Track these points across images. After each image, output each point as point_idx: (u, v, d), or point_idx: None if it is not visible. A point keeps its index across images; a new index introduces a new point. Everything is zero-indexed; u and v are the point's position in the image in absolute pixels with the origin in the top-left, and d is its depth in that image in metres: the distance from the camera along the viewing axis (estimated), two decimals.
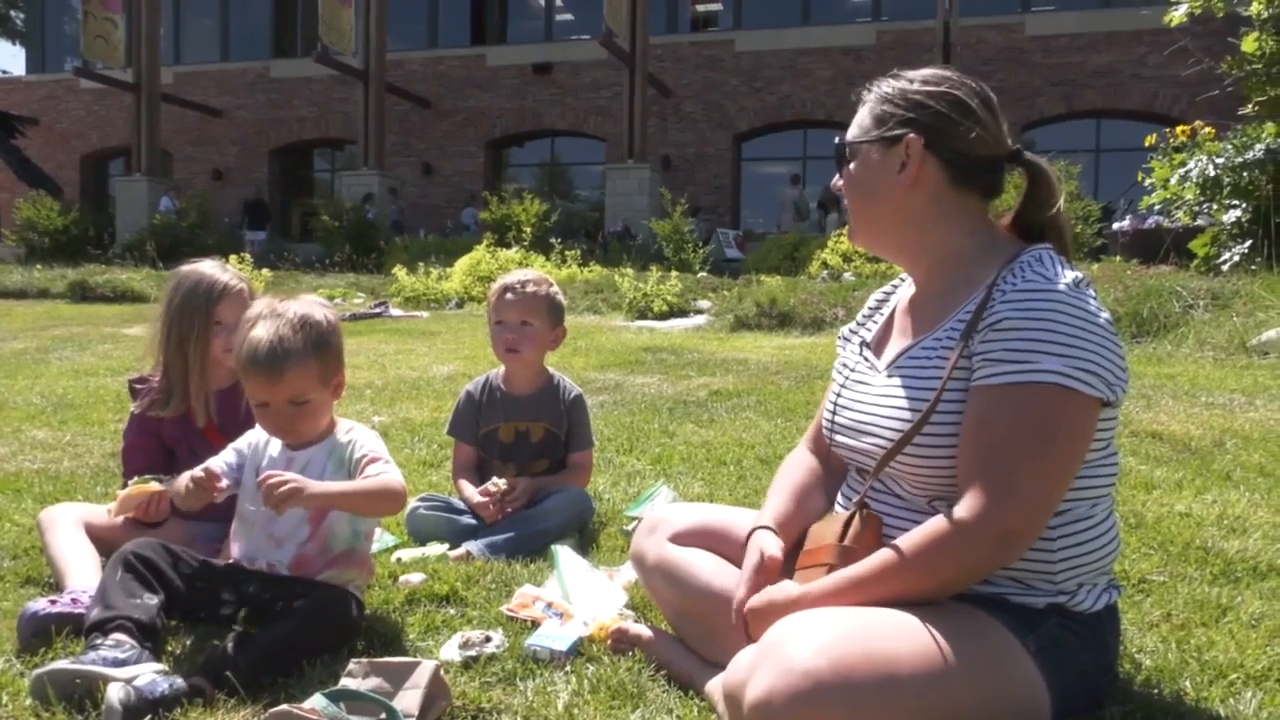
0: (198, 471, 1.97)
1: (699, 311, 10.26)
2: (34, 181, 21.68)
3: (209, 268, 2.55)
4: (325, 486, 1.93)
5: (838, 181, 1.70)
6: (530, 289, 2.81)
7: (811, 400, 4.73)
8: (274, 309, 2.01)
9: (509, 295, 2.82)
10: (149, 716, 1.60)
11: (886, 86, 1.62)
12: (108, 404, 4.99)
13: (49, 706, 1.64)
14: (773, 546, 1.62)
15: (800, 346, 7.39)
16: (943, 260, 1.61)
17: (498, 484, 2.69)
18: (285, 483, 1.83)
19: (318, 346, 2.00)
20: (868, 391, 1.64)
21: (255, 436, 2.15)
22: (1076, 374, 1.38)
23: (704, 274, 13.22)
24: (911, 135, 1.56)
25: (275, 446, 2.10)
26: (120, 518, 2.17)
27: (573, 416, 2.86)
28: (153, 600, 1.88)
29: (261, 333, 1.96)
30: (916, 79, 1.60)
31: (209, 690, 1.68)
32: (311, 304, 2.07)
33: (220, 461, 2.12)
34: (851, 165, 1.65)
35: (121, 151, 25.61)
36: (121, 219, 21.89)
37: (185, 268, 2.57)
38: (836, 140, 1.68)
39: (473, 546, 2.52)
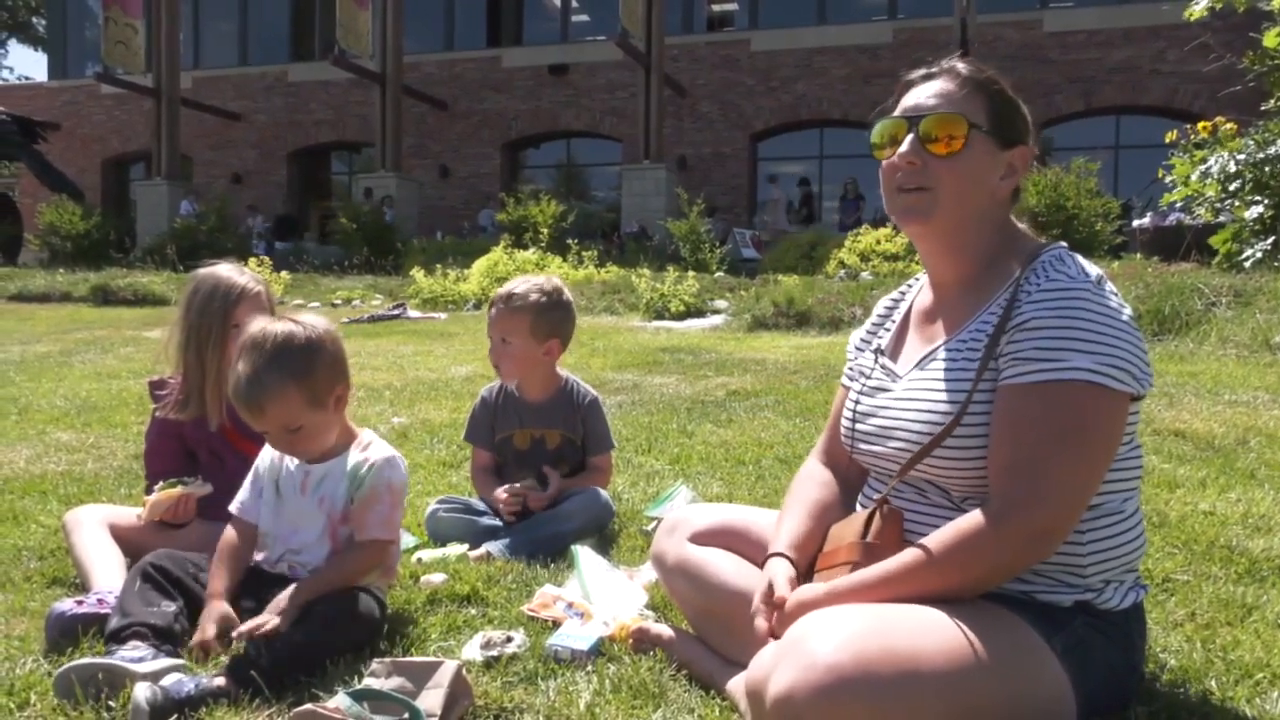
0: (217, 628, 1.93)
1: (716, 311, 10.23)
2: (56, 186, 21.83)
3: (227, 271, 2.55)
4: (308, 592, 1.92)
5: (914, 157, 1.53)
6: (515, 303, 2.69)
7: (830, 400, 4.70)
8: (255, 339, 1.99)
9: (493, 310, 2.76)
10: (175, 716, 1.62)
11: (994, 85, 1.56)
12: (130, 406, 5.03)
13: (76, 705, 1.66)
14: (783, 581, 1.55)
15: (818, 346, 7.37)
16: (976, 262, 1.60)
17: (523, 485, 2.70)
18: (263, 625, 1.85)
19: (298, 373, 1.97)
20: (889, 397, 1.63)
21: (271, 453, 2.17)
22: (1107, 370, 1.39)
23: (721, 274, 13.17)
24: (1027, 147, 1.58)
25: (293, 460, 2.12)
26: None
27: (588, 421, 2.83)
28: (170, 607, 1.91)
29: (241, 368, 1.97)
30: (1008, 84, 1.58)
31: (233, 690, 1.70)
32: (294, 325, 2.01)
33: (237, 503, 2.15)
34: (962, 147, 1.52)
35: (142, 156, 25.80)
36: (142, 223, 22.07)
37: (203, 270, 2.57)
38: (951, 111, 1.53)
39: (493, 547, 2.52)
